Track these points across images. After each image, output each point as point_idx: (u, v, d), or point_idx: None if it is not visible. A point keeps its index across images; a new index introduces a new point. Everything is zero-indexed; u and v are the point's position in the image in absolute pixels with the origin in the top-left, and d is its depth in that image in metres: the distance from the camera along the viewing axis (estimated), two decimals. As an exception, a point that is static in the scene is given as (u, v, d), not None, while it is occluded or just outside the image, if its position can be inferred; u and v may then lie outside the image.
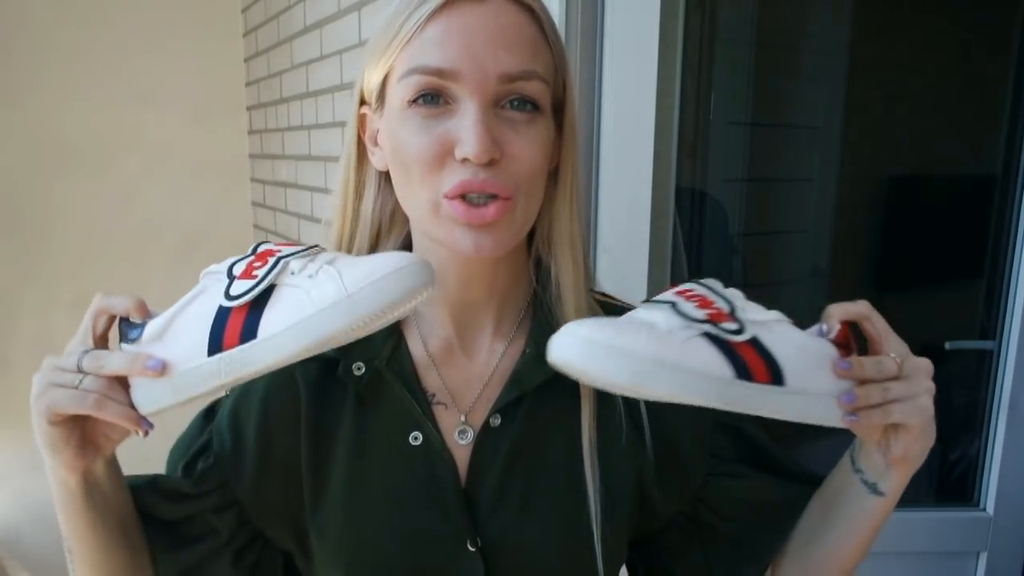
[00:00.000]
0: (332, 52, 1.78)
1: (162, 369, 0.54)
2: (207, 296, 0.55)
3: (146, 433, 0.56)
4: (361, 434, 0.68)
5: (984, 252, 1.55)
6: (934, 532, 1.49)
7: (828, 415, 0.55)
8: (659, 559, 0.76)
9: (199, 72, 2.55)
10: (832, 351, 0.57)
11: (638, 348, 0.50)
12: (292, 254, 0.55)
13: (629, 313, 0.56)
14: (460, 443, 0.68)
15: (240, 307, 0.53)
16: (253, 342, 0.52)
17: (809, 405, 0.55)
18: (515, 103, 0.60)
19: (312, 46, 1.91)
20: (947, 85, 1.89)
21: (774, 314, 0.56)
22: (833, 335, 0.58)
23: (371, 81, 0.64)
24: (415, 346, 0.70)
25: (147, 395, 0.55)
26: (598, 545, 0.67)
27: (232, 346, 0.52)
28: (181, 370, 0.54)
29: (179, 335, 0.55)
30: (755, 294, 0.59)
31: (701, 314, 0.53)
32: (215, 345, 0.53)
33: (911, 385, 0.57)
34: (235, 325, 0.53)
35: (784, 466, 0.74)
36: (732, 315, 0.54)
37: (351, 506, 0.67)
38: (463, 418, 0.69)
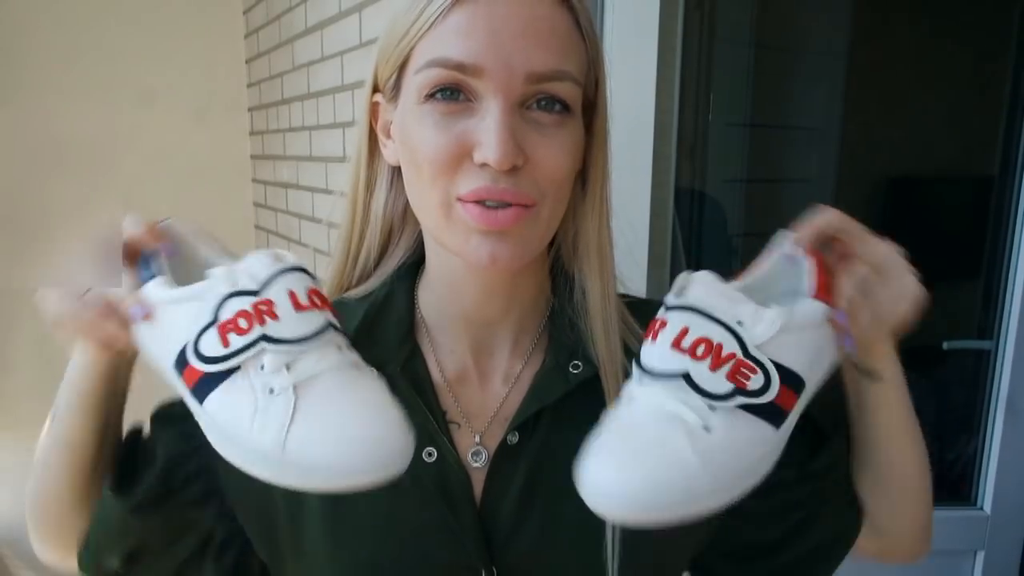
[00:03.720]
0: (333, 53, 1.79)
1: (143, 318, 0.52)
2: (196, 310, 0.50)
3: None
4: None
5: (982, 252, 1.56)
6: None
7: (834, 356, 0.54)
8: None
9: (200, 73, 2.55)
10: (819, 311, 0.52)
11: (686, 474, 0.46)
12: (276, 340, 0.48)
13: (639, 399, 0.51)
14: (474, 466, 0.62)
15: (198, 368, 0.49)
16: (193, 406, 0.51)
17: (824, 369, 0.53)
18: (543, 103, 0.55)
19: (313, 47, 1.91)
20: (946, 86, 1.90)
21: (772, 315, 0.50)
22: (800, 254, 0.55)
23: (386, 68, 0.59)
24: (429, 364, 0.65)
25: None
26: (613, 569, 0.60)
27: (189, 386, 0.50)
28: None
29: (162, 324, 0.52)
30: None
31: (723, 385, 0.48)
32: (179, 367, 0.51)
33: (891, 281, 0.55)
34: (190, 377, 0.50)
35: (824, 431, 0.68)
36: (747, 354, 0.49)
37: (339, 533, 0.61)
38: (477, 439, 0.63)
